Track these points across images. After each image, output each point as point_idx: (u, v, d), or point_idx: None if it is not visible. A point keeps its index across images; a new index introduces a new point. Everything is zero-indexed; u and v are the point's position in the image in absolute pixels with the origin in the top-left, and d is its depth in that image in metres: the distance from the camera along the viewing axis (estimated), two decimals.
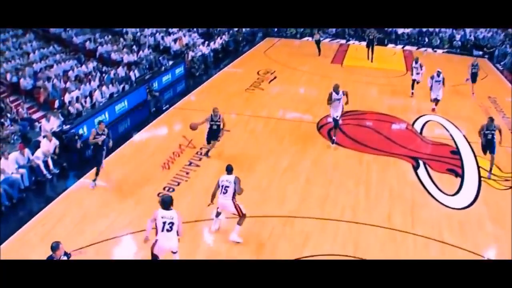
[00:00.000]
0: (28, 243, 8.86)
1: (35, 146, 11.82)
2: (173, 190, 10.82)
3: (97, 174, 10.87)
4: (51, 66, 17.19)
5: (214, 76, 20.58)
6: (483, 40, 27.23)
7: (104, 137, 10.76)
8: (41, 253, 8.37)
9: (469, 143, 13.47)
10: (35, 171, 11.16)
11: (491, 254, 8.83)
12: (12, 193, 10.26)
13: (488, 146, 11.48)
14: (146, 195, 10.57)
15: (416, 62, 17.41)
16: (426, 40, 28.42)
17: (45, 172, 11.30)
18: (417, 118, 15.38)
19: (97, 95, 15.58)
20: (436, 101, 15.67)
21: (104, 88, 16.04)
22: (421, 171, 11.89)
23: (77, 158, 12.48)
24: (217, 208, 9.00)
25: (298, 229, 9.37)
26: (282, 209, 10.04)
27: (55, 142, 11.92)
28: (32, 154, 11.34)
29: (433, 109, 15.81)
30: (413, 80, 17.44)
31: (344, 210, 10.05)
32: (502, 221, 9.74)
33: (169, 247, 6.90)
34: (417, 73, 17.28)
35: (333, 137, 12.97)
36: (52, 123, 13.02)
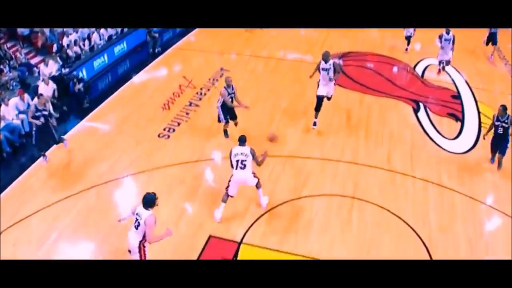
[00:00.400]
0: (30, 189, 8.67)
1: (34, 91, 11.32)
2: (174, 130, 10.55)
3: (59, 141, 9.59)
4: None
5: None
6: None
7: (44, 115, 8.99)
8: (43, 199, 8.24)
9: (470, 88, 12.91)
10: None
11: (489, 201, 8.53)
12: (13, 139, 9.94)
13: (498, 143, 9.00)
14: (146, 136, 10.32)
15: None
16: None
17: None
18: (419, 61, 14.71)
19: (95, 37, 14.82)
20: (446, 63, 13.47)
21: (102, 30, 15.25)
22: (422, 114, 11.47)
23: (77, 102, 12.02)
24: (229, 190, 7.70)
25: (298, 169, 9.14)
26: (283, 149, 9.72)
27: (52, 85, 11.45)
28: (32, 99, 10.86)
29: (439, 71, 13.73)
30: (406, 37, 15.23)
31: (344, 151, 9.76)
32: (501, 169, 9.20)
33: (129, 242, 6.12)
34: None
35: (315, 119, 10.48)
36: (51, 67, 12.46)
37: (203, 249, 7.17)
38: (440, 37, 13.16)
